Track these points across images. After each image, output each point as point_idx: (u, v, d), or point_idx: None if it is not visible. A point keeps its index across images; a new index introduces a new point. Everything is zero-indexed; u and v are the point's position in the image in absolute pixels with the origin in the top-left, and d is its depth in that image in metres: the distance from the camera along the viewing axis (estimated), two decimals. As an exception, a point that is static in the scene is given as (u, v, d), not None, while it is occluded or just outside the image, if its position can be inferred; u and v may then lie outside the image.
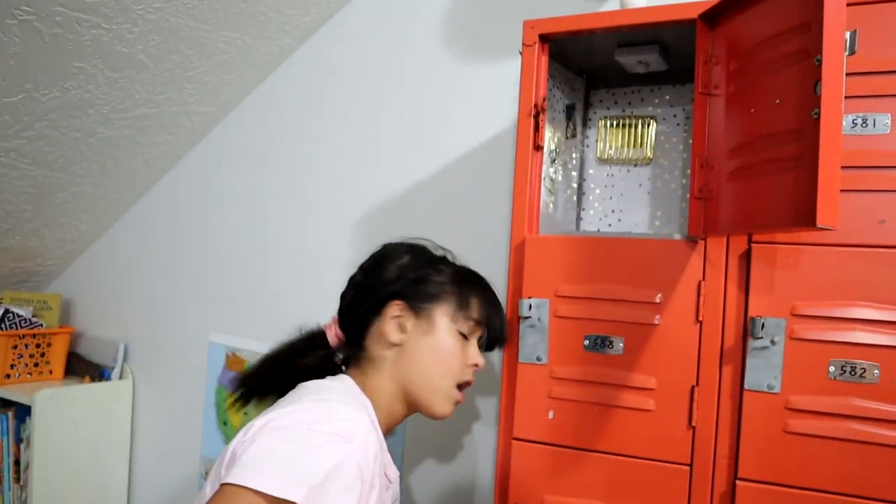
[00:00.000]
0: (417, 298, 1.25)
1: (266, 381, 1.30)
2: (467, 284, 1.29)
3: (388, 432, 1.27)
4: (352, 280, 1.34)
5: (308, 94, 2.26)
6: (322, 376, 1.25)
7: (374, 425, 1.17)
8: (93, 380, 2.58)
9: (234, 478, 0.91)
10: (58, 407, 2.35)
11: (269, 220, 2.30)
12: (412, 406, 1.26)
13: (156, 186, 2.60)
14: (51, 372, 2.61)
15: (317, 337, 1.33)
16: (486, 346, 1.31)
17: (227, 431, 2.28)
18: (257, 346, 2.22)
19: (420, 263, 1.29)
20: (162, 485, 2.54)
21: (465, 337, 1.26)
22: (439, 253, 1.37)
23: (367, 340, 1.26)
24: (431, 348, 1.22)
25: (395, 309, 1.24)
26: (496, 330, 1.29)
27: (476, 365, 1.28)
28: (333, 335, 1.31)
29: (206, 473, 2.26)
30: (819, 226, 0.91)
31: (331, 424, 1.00)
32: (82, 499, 2.43)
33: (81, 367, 2.67)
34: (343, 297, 1.34)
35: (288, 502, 0.90)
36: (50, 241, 2.60)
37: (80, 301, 2.80)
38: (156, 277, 2.58)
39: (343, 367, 1.32)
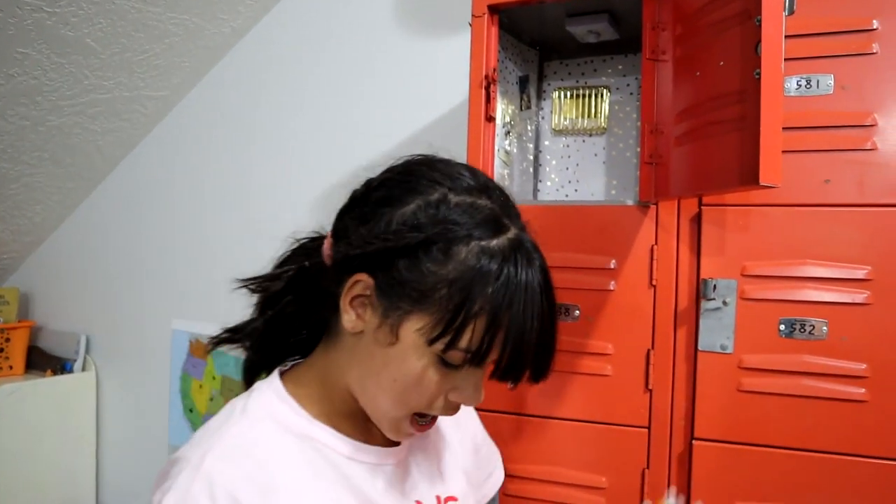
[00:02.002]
0: (390, 287, 0.74)
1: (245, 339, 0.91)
2: (480, 295, 0.71)
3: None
4: (354, 196, 0.84)
5: (263, 75, 2.23)
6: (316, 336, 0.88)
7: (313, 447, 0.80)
8: (55, 373, 2.54)
9: None
10: (20, 402, 2.31)
11: (228, 202, 2.27)
12: None
13: (112, 174, 2.55)
14: (11, 367, 2.56)
15: (308, 250, 0.88)
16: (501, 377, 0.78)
17: (194, 419, 2.26)
18: (221, 331, 2.20)
19: (426, 230, 0.73)
20: (130, 475, 2.51)
21: (449, 365, 0.75)
22: (482, 221, 0.75)
23: (339, 299, 0.79)
24: (387, 365, 0.76)
25: (358, 286, 0.77)
26: (512, 369, 0.75)
27: (452, 406, 0.80)
28: (328, 249, 0.82)
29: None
30: (762, 184, 0.92)
31: (174, 497, 0.71)
32: (50, 492, 2.40)
33: (43, 361, 2.62)
34: (342, 209, 0.85)
35: None
36: (4, 234, 2.55)
37: (39, 294, 2.75)
38: (115, 267, 2.54)
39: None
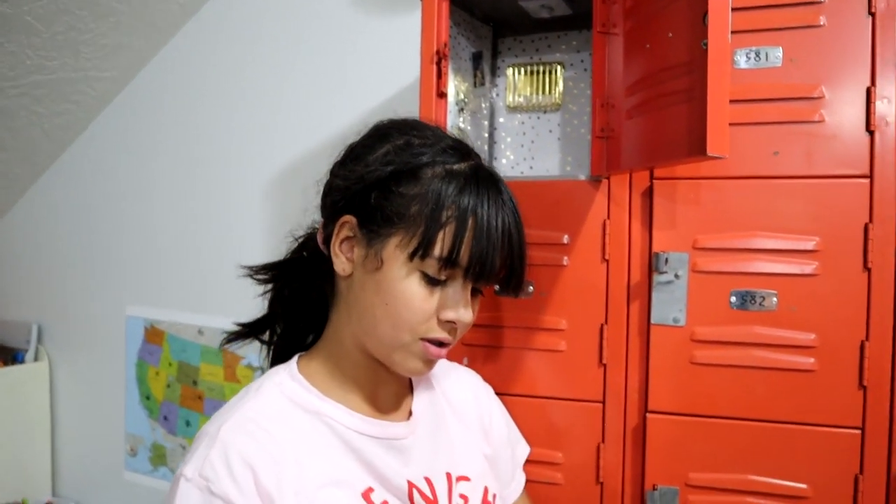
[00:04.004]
0: (371, 218, 0.84)
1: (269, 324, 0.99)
2: (446, 205, 0.81)
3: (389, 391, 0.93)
4: (332, 169, 0.93)
5: (213, 55, 2.18)
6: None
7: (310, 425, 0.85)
8: (6, 364, 2.47)
9: None
10: (-30, 394, 2.25)
11: (181, 185, 2.22)
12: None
13: (60, 158, 2.48)
14: (-40, 359, 2.49)
15: (307, 244, 0.97)
16: (475, 279, 0.84)
17: (150, 405, 2.22)
18: (177, 316, 2.16)
19: (395, 163, 0.84)
20: (87, 465, 2.47)
21: (434, 281, 0.82)
22: (446, 149, 0.86)
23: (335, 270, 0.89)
24: (377, 290, 0.83)
25: (345, 227, 0.86)
26: (482, 270, 0.82)
27: (449, 321, 0.84)
28: (320, 235, 0.92)
29: (132, 450, 2.22)
30: (710, 154, 0.92)
31: (193, 465, 0.78)
32: (4, 484, 2.34)
33: (-7, 352, 2.56)
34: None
35: None
36: (-52, 221, 2.47)
37: (-12, 283, 2.67)
38: (67, 254, 2.48)
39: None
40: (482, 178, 0.84)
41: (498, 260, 0.82)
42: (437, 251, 0.80)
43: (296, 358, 0.92)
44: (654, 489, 1.22)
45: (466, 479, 0.93)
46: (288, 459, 0.79)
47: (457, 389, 1.03)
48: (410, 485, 0.87)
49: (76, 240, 2.46)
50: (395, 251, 0.81)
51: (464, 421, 1.00)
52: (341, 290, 0.89)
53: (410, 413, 0.93)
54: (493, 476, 0.99)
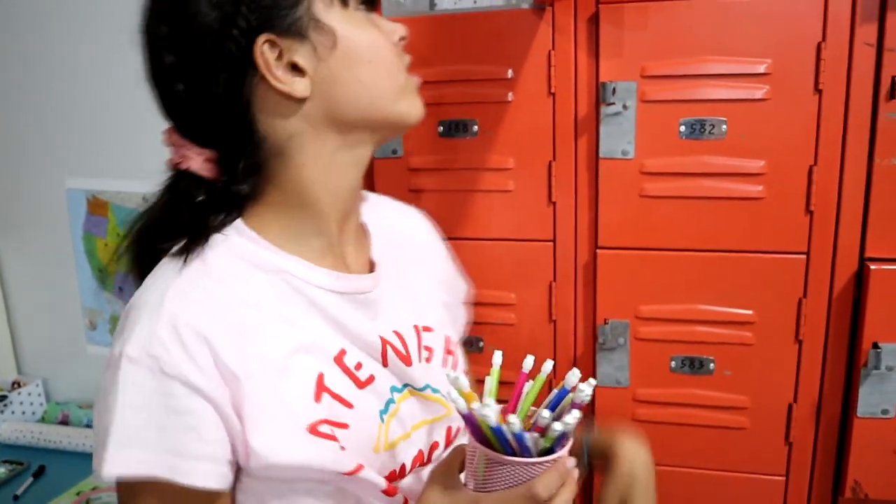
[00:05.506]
0: (278, 16, 0.70)
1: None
2: None
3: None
4: (156, 51, 0.81)
5: None
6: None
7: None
8: (-52, 245, 2.40)
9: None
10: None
11: (106, 46, 2.08)
12: (373, 137, 0.79)
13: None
14: None
15: (180, 188, 0.78)
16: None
17: (105, 278, 2.19)
18: (119, 185, 2.09)
19: None
20: (49, 343, 2.45)
21: (367, 3, 0.76)
22: None
23: (259, 127, 0.74)
24: (350, 62, 0.73)
25: (266, 49, 0.71)
26: None
27: (402, 38, 0.78)
28: (201, 163, 0.75)
29: (91, 324, 2.20)
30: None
31: (137, 343, 0.66)
32: (-35, 367, 2.33)
33: (-66, 235, 2.47)
34: (164, 93, 0.81)
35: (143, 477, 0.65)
36: None
37: (-82, 164, 2.54)
38: (-2, 128, 2.35)
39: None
40: None
41: None
42: None
43: (237, 218, 0.77)
44: (606, 323, 1.23)
45: (430, 329, 0.89)
46: (248, 328, 0.70)
47: (415, 232, 0.97)
48: (384, 341, 0.81)
49: (7, 112, 2.32)
50: (330, 14, 0.72)
51: (424, 266, 0.94)
52: (289, 134, 0.74)
53: (371, 263, 0.86)
54: (450, 323, 0.96)
